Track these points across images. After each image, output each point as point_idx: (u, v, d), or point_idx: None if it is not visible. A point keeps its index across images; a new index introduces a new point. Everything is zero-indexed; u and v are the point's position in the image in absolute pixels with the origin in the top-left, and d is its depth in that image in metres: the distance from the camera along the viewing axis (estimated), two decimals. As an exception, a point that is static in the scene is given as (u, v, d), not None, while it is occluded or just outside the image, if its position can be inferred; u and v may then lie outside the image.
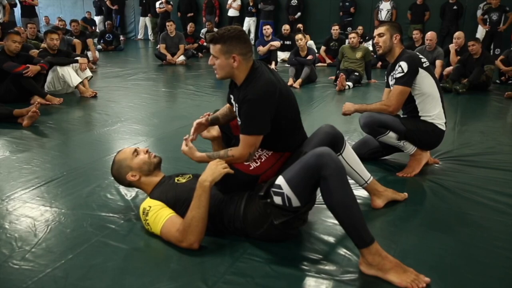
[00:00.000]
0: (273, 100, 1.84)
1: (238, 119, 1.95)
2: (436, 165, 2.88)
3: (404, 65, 2.56)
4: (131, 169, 2.00)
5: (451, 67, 6.08)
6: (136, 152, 2.04)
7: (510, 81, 6.05)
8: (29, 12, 9.82)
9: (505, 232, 2.01)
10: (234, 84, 1.98)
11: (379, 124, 2.58)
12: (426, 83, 2.60)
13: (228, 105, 2.21)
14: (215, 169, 1.81)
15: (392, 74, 2.73)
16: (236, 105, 1.94)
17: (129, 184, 2.06)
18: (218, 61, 1.88)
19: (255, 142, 1.87)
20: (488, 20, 8.37)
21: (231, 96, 2.05)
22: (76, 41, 7.18)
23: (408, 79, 2.56)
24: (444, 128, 2.69)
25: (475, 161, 2.95)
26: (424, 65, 2.61)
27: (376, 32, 2.73)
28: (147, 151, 2.06)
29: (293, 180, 1.67)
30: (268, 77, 1.87)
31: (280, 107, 1.88)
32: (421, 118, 2.65)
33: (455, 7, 8.99)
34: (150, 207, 1.86)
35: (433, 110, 2.65)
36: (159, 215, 1.82)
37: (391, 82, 2.77)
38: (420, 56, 2.68)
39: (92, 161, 2.90)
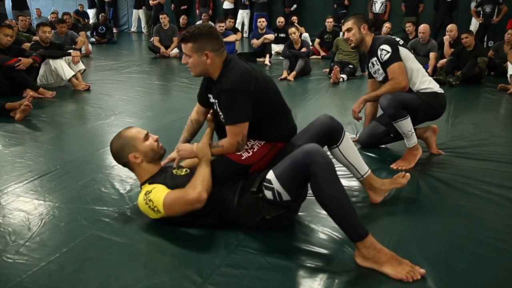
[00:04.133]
0: (251, 86, 1.85)
1: (220, 113, 1.96)
2: (432, 156, 2.89)
3: (386, 47, 2.68)
4: (137, 151, 1.94)
5: (445, 60, 6.09)
6: (147, 136, 1.99)
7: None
8: (20, 5, 9.67)
9: (497, 222, 2.03)
10: (211, 81, 2.00)
11: (403, 105, 2.61)
12: (408, 58, 2.71)
13: (191, 118, 2.25)
14: (202, 152, 1.91)
15: (372, 61, 2.81)
16: (216, 100, 1.95)
17: (125, 164, 2.00)
18: (191, 60, 1.90)
19: (241, 131, 1.89)
20: (481, 13, 8.38)
21: (210, 96, 2.07)
22: (80, 38, 7.10)
23: (397, 55, 2.67)
24: (443, 91, 2.81)
25: (469, 153, 2.97)
26: (400, 43, 2.74)
27: (344, 28, 2.83)
28: (157, 140, 2.02)
29: (282, 176, 1.69)
30: (242, 66, 1.90)
31: (259, 94, 1.89)
32: (420, 91, 2.73)
33: (449, 0, 8.99)
34: (154, 187, 1.84)
35: (423, 81, 2.75)
36: (160, 190, 1.81)
37: (372, 69, 2.85)
38: (394, 37, 2.82)
39: (86, 155, 2.88)
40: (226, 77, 1.87)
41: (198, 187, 1.75)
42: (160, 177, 1.93)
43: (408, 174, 2.24)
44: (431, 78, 2.81)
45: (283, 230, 1.89)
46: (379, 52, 2.69)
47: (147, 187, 1.88)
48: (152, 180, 1.93)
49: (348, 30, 2.78)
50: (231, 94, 1.84)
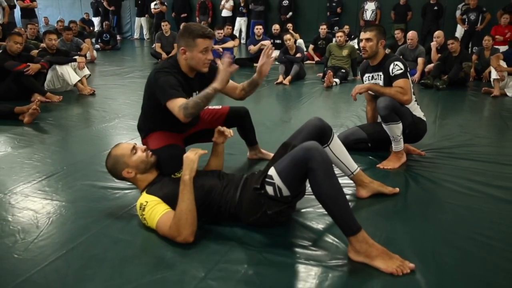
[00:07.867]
0: None
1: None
2: (420, 156, 2.89)
3: (400, 64, 2.67)
4: (128, 166, 1.93)
5: (432, 64, 6.11)
6: (134, 149, 1.96)
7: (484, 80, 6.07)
8: (29, 14, 9.64)
9: (483, 219, 2.03)
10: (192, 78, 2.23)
11: (397, 111, 2.61)
12: (411, 85, 2.72)
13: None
14: (189, 161, 1.81)
15: (373, 74, 2.82)
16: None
17: (122, 179, 2.00)
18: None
19: None
20: (466, 20, 8.41)
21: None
22: (85, 45, 7.08)
23: (407, 75, 2.68)
24: (425, 120, 2.87)
25: (455, 153, 2.97)
26: (408, 69, 2.75)
27: (364, 35, 2.73)
28: (145, 150, 1.99)
29: (283, 172, 1.71)
30: None
31: None
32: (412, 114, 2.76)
33: (435, 8, 9.01)
34: (147, 202, 1.82)
35: (416, 108, 2.79)
36: (155, 210, 1.79)
37: (368, 82, 2.85)
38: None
39: (91, 156, 2.87)
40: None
41: (184, 232, 1.71)
42: (155, 185, 1.91)
43: (397, 189, 2.28)
44: (419, 106, 2.87)
45: (280, 227, 1.89)
46: (391, 66, 2.66)
47: (142, 198, 1.86)
48: (149, 188, 1.92)
49: (368, 40, 2.70)
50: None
